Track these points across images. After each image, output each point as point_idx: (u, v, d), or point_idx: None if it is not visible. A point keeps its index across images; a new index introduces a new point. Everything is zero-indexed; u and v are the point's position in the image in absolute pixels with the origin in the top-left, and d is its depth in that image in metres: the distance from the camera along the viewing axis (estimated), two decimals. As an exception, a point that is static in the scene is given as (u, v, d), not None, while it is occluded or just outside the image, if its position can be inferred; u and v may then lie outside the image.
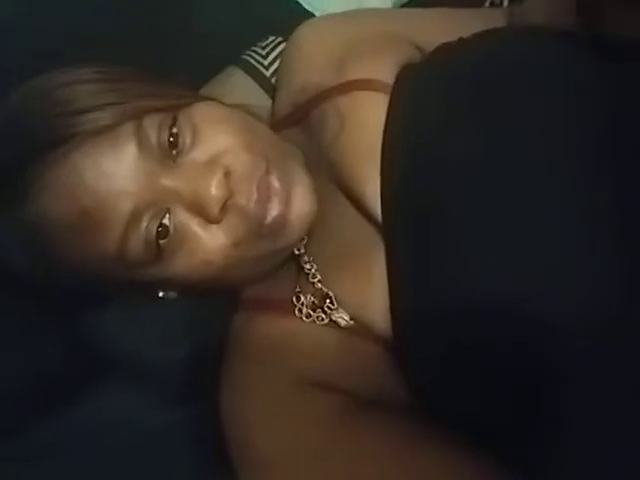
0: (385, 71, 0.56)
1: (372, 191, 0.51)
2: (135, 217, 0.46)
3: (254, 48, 0.68)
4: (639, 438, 0.41)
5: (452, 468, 0.44)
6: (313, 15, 0.73)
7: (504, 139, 0.48)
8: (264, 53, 0.67)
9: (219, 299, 0.59)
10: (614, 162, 0.45)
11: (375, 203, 0.51)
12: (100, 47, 0.51)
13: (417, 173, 0.50)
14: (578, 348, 0.43)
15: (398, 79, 0.55)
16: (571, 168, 0.46)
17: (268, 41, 0.68)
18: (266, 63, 0.67)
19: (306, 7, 0.75)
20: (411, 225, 0.49)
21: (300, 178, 0.51)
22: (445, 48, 0.56)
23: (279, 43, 0.67)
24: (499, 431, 0.45)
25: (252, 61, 0.67)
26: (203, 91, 0.66)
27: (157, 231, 0.47)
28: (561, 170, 0.46)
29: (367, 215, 0.52)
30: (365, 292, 0.50)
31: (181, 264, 0.49)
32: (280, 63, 0.65)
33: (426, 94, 0.53)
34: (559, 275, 0.44)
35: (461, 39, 0.56)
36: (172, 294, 0.55)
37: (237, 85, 0.66)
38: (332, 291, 0.52)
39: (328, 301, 0.51)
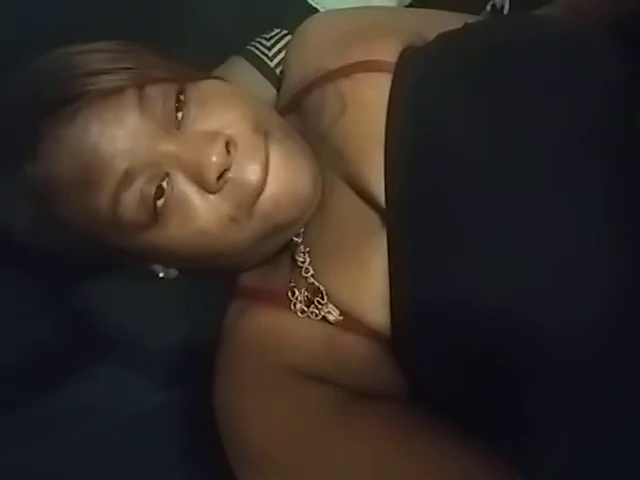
0: (387, 51, 0.54)
1: (375, 177, 0.50)
2: (129, 177, 0.47)
3: (259, 39, 0.68)
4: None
5: (450, 455, 0.44)
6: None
7: (508, 127, 0.47)
8: (269, 44, 0.67)
9: (216, 285, 0.59)
10: (623, 167, 0.45)
11: (379, 190, 0.49)
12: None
13: (422, 160, 0.48)
14: (577, 354, 0.42)
15: (401, 58, 0.54)
16: (578, 171, 0.45)
17: (273, 33, 0.68)
18: (270, 54, 0.66)
19: (314, 5, 0.74)
20: (415, 214, 0.48)
21: (302, 159, 0.51)
22: (450, 34, 0.54)
23: (284, 35, 0.67)
24: (496, 424, 0.44)
25: (256, 51, 0.66)
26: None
27: (154, 193, 0.47)
28: (567, 170, 0.45)
29: (369, 202, 0.50)
30: (360, 284, 0.49)
31: (176, 231, 0.48)
32: (285, 56, 0.65)
33: (430, 74, 0.51)
34: (561, 280, 0.43)
35: (466, 25, 0.54)
36: (172, 272, 0.55)
37: (241, 75, 0.65)
38: (324, 284, 0.51)
39: (319, 296, 0.50)
